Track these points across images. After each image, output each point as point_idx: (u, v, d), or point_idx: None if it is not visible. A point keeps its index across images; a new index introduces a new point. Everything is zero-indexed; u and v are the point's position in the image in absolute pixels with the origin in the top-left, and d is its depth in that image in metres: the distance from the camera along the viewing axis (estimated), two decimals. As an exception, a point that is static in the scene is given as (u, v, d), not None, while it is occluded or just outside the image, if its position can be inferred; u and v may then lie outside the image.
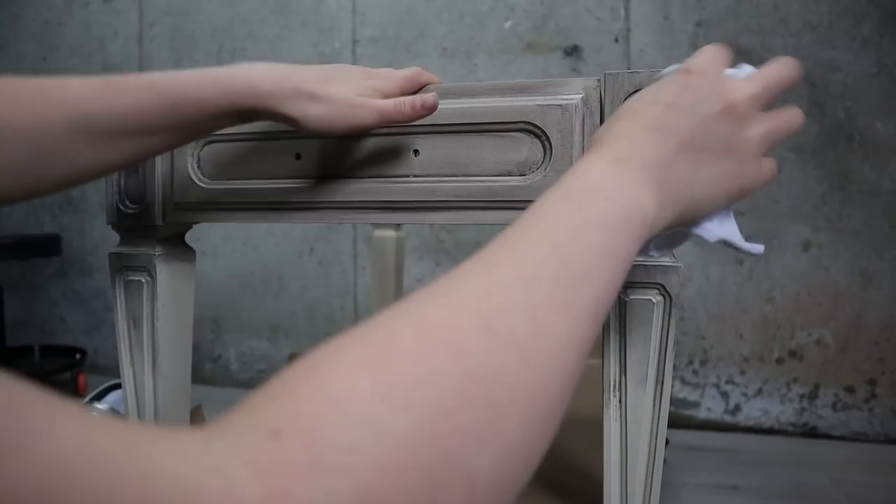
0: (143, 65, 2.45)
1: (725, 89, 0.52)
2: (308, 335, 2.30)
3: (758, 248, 0.58)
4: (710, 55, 0.55)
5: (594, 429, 0.75)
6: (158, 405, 0.96)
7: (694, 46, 1.92)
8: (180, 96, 0.65)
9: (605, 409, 0.73)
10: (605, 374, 0.73)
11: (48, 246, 2.19)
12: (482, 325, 0.34)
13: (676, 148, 0.49)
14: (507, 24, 2.08)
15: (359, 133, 0.74)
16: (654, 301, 0.71)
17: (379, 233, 1.91)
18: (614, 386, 0.73)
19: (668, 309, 0.71)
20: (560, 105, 0.72)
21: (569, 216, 0.42)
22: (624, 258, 0.42)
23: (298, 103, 0.67)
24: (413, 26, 2.14)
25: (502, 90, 0.75)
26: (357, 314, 2.25)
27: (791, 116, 0.57)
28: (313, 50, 2.26)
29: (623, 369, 0.72)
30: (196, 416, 1.05)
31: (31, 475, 0.21)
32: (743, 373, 1.91)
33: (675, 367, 1.95)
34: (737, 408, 1.92)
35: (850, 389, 1.84)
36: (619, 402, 0.73)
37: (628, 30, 1.99)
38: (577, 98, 0.72)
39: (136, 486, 0.23)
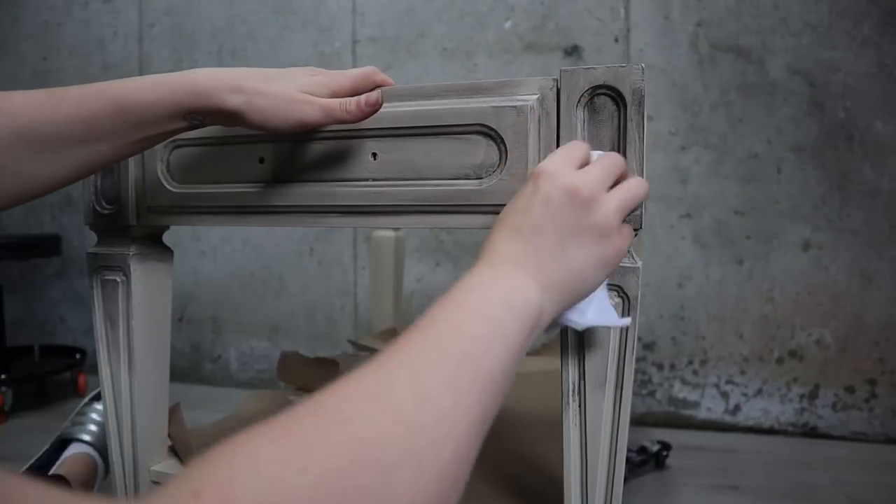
0: (143, 65, 2.46)
1: (568, 180, 0.59)
2: (308, 335, 2.30)
3: (625, 321, 0.66)
4: (559, 157, 0.62)
5: (559, 430, 0.74)
6: (135, 403, 0.97)
7: (694, 46, 1.91)
8: (125, 99, 0.65)
9: (563, 414, 0.72)
10: (563, 379, 0.72)
11: (48, 246, 2.19)
12: (371, 402, 0.40)
13: (539, 241, 0.57)
14: (507, 24, 2.07)
15: (307, 130, 0.73)
16: (613, 303, 0.70)
17: (378, 233, 1.91)
18: (573, 390, 0.72)
19: (626, 311, 0.70)
20: (515, 106, 0.71)
21: (449, 313, 0.49)
22: (510, 337, 0.49)
23: (240, 97, 0.68)
24: (413, 26, 2.14)
25: (458, 91, 0.74)
26: (357, 314, 2.25)
27: (635, 187, 0.63)
28: (313, 50, 2.25)
29: (582, 373, 0.71)
30: (174, 415, 1.05)
31: None
32: (743, 373, 1.90)
33: (674, 366, 1.94)
34: (737, 408, 1.91)
35: (850, 389, 1.82)
36: (579, 406, 0.72)
37: (628, 30, 1.98)
38: (532, 99, 0.71)
39: None
